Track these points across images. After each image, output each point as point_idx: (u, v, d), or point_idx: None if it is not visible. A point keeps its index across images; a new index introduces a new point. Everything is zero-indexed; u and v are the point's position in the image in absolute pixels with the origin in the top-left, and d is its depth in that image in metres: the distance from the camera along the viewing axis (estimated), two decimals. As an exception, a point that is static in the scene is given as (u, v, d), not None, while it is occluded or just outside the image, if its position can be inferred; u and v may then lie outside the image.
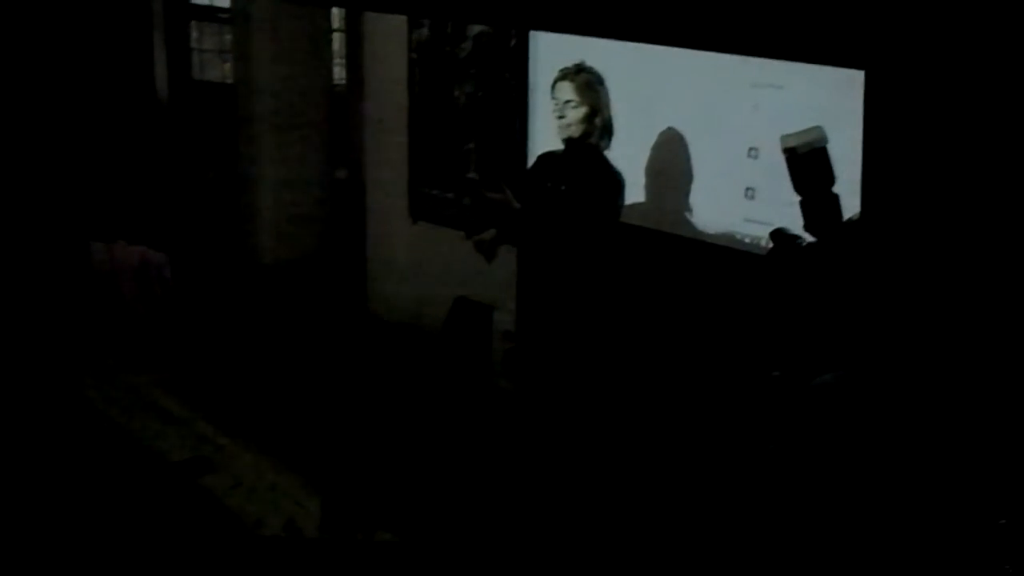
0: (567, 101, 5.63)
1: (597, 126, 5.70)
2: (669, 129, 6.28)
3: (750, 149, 5.95)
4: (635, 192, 6.17)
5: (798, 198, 4.70)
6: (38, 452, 7.00)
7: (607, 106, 5.74)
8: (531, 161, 6.50)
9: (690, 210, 6.32)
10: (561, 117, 5.65)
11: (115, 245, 10.77)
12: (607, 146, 5.85)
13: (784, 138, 4.68)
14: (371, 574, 5.58)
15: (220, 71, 10.80)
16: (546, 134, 6.36)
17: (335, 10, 10.30)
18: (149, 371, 8.58)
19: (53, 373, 8.42)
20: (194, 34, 11.24)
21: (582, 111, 5.63)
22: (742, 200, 6.04)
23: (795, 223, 4.84)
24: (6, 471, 6.78)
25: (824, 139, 4.67)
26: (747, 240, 6.01)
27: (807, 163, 4.58)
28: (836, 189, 4.59)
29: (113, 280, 10.26)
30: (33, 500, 6.33)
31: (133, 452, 7.19)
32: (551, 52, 6.73)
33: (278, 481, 6.71)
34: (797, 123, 5.15)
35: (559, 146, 5.79)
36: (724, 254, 6.14)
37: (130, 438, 7.40)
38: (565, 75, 5.71)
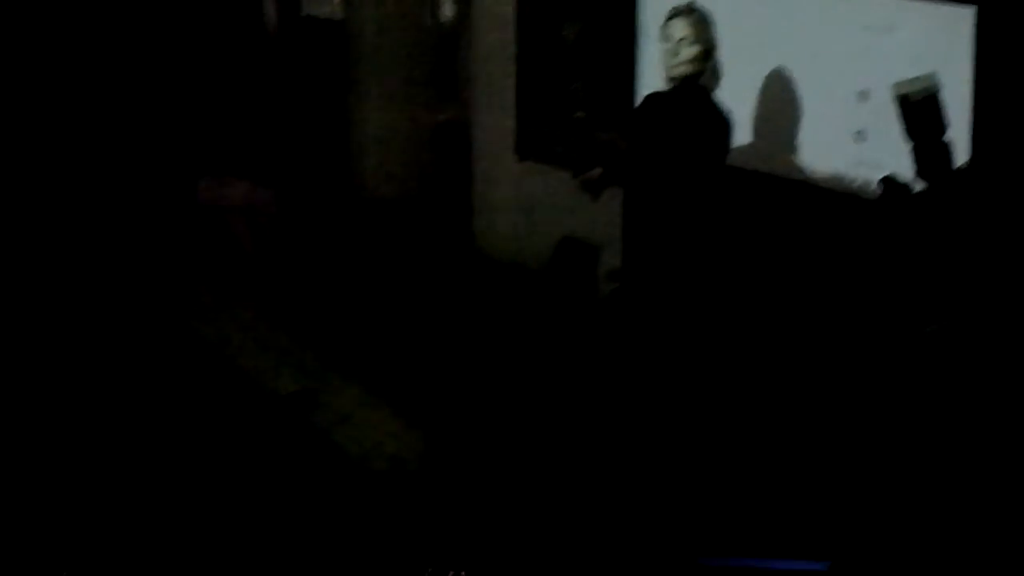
0: (681, 39, 5.58)
1: (708, 65, 5.67)
2: (778, 69, 6.21)
3: (860, 92, 5.88)
4: (743, 133, 6.12)
5: (909, 144, 4.65)
6: (151, 384, 7.17)
7: (716, 46, 5.70)
8: (639, 101, 6.46)
9: (799, 152, 6.26)
10: (674, 55, 5.60)
11: (223, 181, 10.90)
12: (715, 87, 5.81)
13: (896, 85, 4.63)
14: (473, 509, 5.64)
15: (329, 7, 10.80)
16: (654, 74, 6.32)
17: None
18: (257, 306, 8.70)
19: (163, 308, 8.58)
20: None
21: (696, 49, 5.58)
22: (851, 143, 5.98)
23: (906, 167, 4.79)
24: (121, 403, 6.94)
25: (938, 86, 4.60)
26: (857, 183, 5.95)
27: (920, 110, 4.53)
28: (949, 136, 4.54)
29: (221, 216, 10.38)
30: (146, 431, 6.49)
31: (242, 386, 7.30)
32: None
33: (382, 416, 6.78)
34: (907, 67, 5.09)
35: (666, 87, 5.75)
36: (834, 197, 6.08)
37: (238, 372, 7.51)
38: (679, 13, 5.66)
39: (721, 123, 5.66)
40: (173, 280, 9.08)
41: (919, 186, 4.66)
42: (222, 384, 7.32)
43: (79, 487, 5.83)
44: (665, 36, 5.67)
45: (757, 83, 6.27)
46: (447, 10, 10.10)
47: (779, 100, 6.24)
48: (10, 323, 8.06)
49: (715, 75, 5.77)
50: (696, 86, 5.65)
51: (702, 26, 5.63)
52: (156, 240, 9.56)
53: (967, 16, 5.35)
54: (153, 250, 9.43)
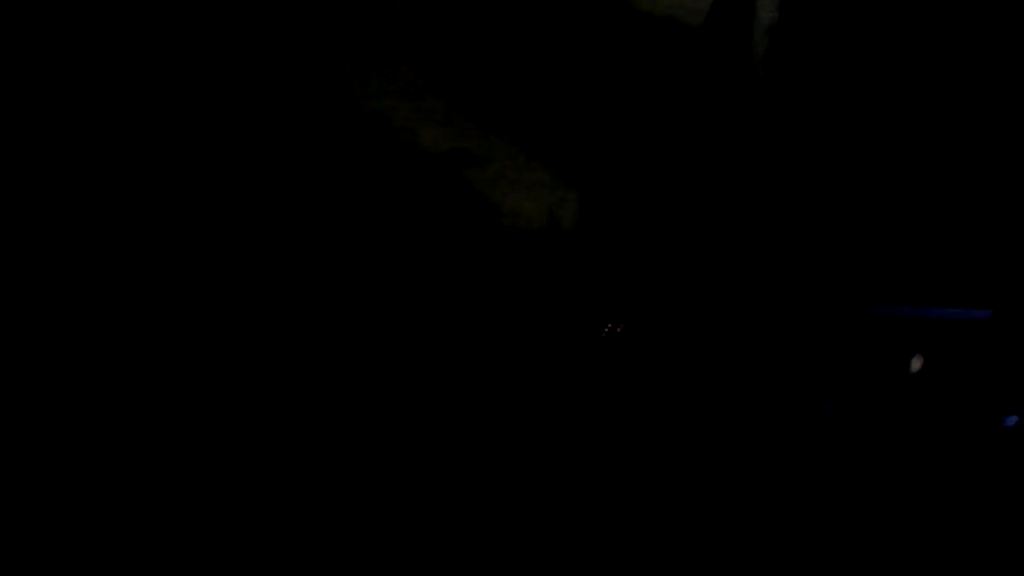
0: None
1: None
2: None
3: None
4: None
5: None
6: (295, 139, 7.21)
7: None
8: None
9: None
10: None
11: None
12: None
13: None
14: (625, 267, 5.62)
15: None
16: None
17: None
18: (410, 62, 8.65)
19: (313, 64, 8.60)
20: None
21: None
22: None
23: None
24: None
25: None
26: None
27: None
28: None
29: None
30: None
31: (395, 144, 7.32)
32: None
33: (538, 174, 6.75)
34: None
35: None
36: None
37: (391, 129, 7.52)
38: None
39: None
40: (321, 35, 9.07)
41: None
42: (373, 141, 7.34)
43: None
44: None
45: None
46: None
47: None
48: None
49: None
50: None
51: None
52: None
53: None
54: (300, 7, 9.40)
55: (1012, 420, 4.84)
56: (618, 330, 5.23)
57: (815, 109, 5.64)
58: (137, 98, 7.21)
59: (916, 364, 5.09)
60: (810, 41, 5.60)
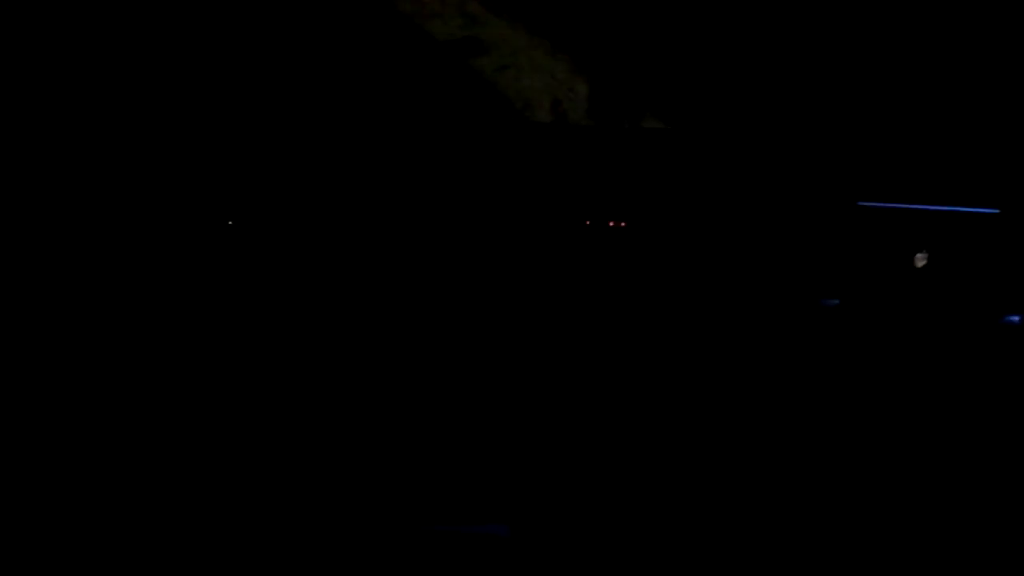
0: None
1: None
2: None
3: None
4: None
5: None
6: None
7: None
8: None
9: None
10: None
11: None
12: None
13: None
14: (635, 160, 5.59)
15: None
16: None
17: None
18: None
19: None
20: None
21: None
22: None
23: None
24: None
25: None
26: None
27: None
28: None
29: None
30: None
31: (404, 31, 7.25)
32: None
33: (547, 62, 6.69)
34: None
35: None
36: None
37: (400, 16, 7.44)
38: None
39: None
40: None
41: None
42: (379, 30, 7.27)
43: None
44: None
45: None
46: None
47: None
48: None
49: None
50: None
51: None
52: None
53: None
54: None
55: (1014, 318, 4.84)
56: (622, 225, 5.22)
57: None
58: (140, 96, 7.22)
59: (921, 259, 5.08)
60: None
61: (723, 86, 5.88)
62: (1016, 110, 5.17)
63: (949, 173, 5.12)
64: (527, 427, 5.12)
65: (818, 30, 5.57)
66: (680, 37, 6.47)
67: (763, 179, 5.32)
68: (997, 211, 4.88)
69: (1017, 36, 5.32)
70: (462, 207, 5.48)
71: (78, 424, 5.39)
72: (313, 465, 5.14)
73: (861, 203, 5.10)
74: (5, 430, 5.41)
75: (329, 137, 5.93)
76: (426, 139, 5.83)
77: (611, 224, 5.22)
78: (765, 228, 5.22)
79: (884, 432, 4.87)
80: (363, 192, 5.62)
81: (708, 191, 5.36)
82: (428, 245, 5.46)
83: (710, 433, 4.95)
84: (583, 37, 6.78)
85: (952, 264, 5.08)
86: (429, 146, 5.76)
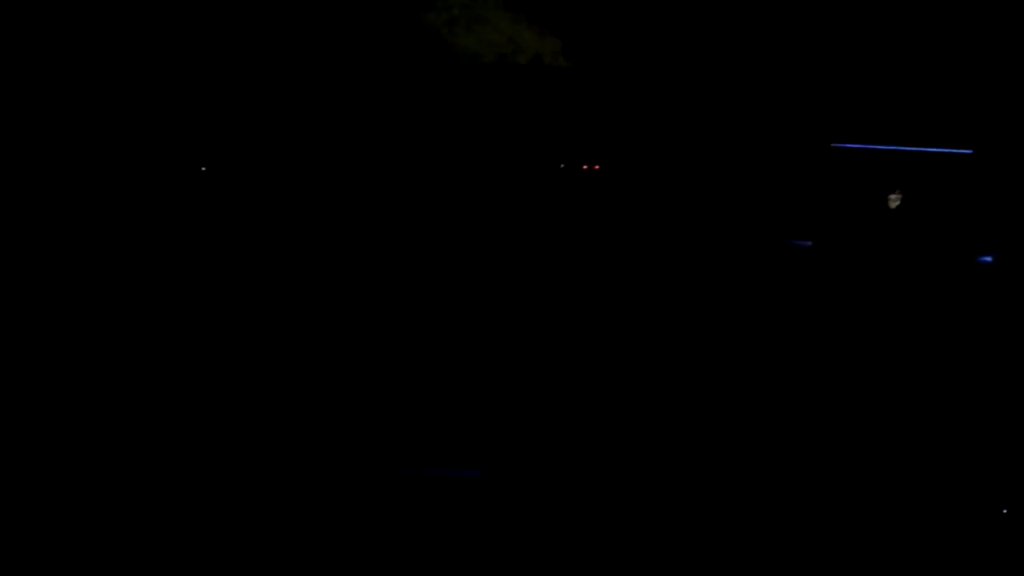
0: None
1: None
2: None
3: None
4: None
5: None
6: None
7: None
8: None
9: None
10: None
11: None
12: None
13: None
14: (611, 106, 5.57)
15: None
16: None
17: None
18: None
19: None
20: None
21: None
22: None
23: None
24: None
25: None
26: None
27: None
28: None
29: None
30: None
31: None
32: None
33: (494, 16, 6.65)
34: None
35: None
36: None
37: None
38: None
39: None
40: None
41: None
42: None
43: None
44: None
45: None
46: None
47: None
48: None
49: None
50: None
51: None
52: None
53: None
54: None
55: (986, 258, 4.84)
56: (595, 168, 5.21)
57: None
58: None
59: (894, 200, 5.08)
60: None
61: (696, 28, 5.85)
62: (987, 52, 5.16)
63: (922, 114, 5.11)
64: (500, 373, 5.12)
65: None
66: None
67: (736, 120, 5.31)
68: (970, 152, 4.88)
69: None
70: (433, 153, 5.46)
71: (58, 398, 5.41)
72: (287, 409, 5.14)
73: (835, 144, 5.09)
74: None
75: (296, 96, 5.90)
76: (389, 92, 5.80)
77: (584, 167, 5.21)
78: (739, 169, 5.21)
79: (858, 374, 4.89)
80: (335, 146, 5.59)
81: (681, 133, 5.34)
82: (400, 191, 5.44)
83: (681, 374, 4.96)
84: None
85: (926, 205, 5.08)
86: (393, 100, 5.72)
